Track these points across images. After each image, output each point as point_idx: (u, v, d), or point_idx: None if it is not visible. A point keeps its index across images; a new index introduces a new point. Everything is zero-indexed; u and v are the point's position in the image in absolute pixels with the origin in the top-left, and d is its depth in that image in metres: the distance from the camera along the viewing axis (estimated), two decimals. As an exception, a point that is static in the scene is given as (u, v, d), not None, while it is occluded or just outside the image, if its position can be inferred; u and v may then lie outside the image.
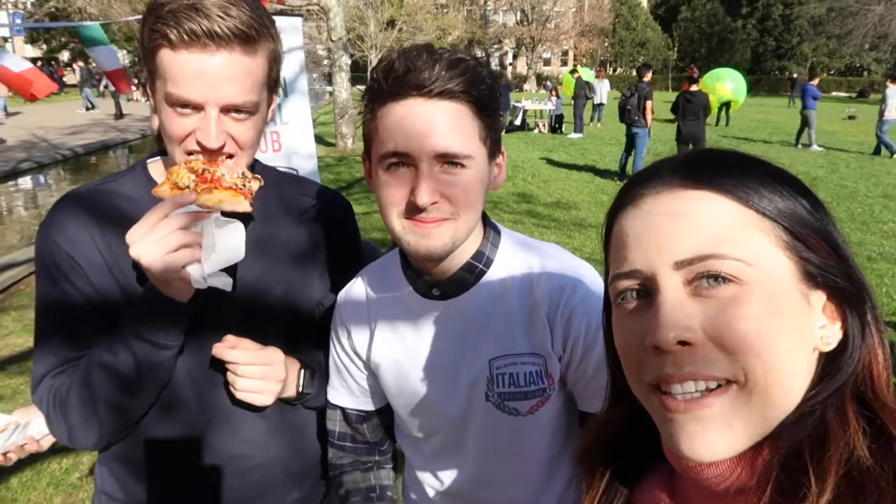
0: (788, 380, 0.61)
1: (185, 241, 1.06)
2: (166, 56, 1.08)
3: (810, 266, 0.62)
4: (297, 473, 1.40)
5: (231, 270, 1.18)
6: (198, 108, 1.09)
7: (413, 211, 1.05)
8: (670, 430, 0.62)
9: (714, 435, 0.60)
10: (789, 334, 0.60)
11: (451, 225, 1.07)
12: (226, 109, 1.11)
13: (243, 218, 1.15)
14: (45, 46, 40.19)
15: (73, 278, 1.19)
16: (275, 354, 1.23)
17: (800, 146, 15.77)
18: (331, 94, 18.82)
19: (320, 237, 1.38)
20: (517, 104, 20.42)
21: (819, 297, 0.63)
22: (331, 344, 1.35)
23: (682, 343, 0.60)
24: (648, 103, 11.21)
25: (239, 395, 1.20)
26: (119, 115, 22.33)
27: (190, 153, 1.13)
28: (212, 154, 1.12)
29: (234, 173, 1.13)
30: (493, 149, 1.11)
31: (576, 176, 12.31)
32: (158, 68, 1.10)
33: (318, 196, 1.42)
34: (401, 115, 1.03)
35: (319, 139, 16.07)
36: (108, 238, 1.18)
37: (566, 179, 11.92)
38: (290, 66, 4.30)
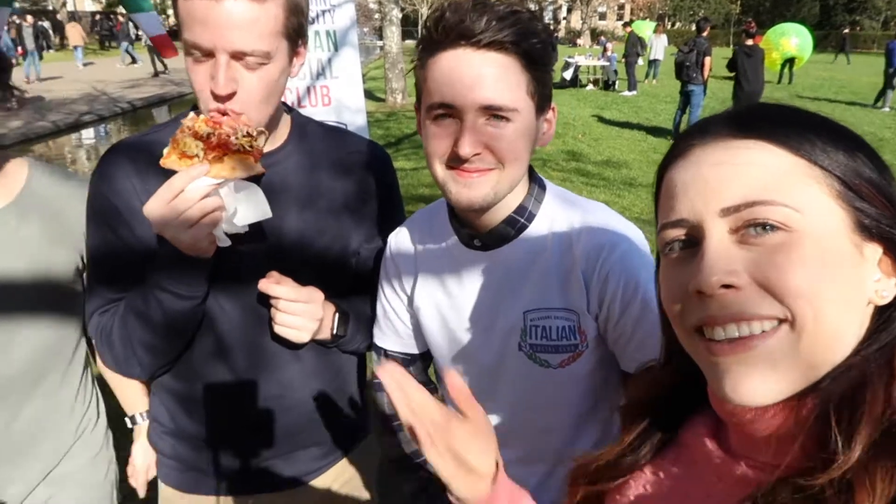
0: (838, 329, 0.60)
1: (206, 210, 1.09)
2: (183, 5, 1.12)
3: (864, 217, 0.61)
4: (329, 415, 1.46)
5: (274, 221, 1.23)
6: (209, 54, 1.12)
7: (456, 161, 1.07)
8: (715, 374, 0.63)
9: (759, 377, 0.60)
10: (839, 284, 0.59)
11: (494, 176, 1.08)
12: (236, 56, 1.12)
13: (256, 177, 1.16)
14: (104, 0, 40.91)
15: (116, 225, 1.26)
16: (315, 294, 1.28)
17: (887, 108, 14.94)
18: (381, 48, 18.72)
19: (359, 188, 1.42)
20: (570, 60, 19.95)
21: (874, 250, 0.62)
22: (379, 288, 1.40)
23: (727, 287, 0.60)
24: (707, 59, 10.81)
25: (278, 329, 1.25)
26: (155, 73, 21.89)
27: (212, 108, 1.15)
28: (223, 100, 1.13)
29: (240, 132, 1.11)
30: (542, 103, 1.11)
31: (627, 134, 12.05)
32: (179, 18, 1.14)
33: (358, 147, 1.45)
34: (449, 66, 1.05)
35: (369, 94, 16.06)
36: (148, 186, 1.23)
37: (617, 138, 11.68)
38: (341, 19, 4.28)
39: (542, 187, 1.22)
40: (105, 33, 36.20)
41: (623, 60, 18.36)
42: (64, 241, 1.34)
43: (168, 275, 1.18)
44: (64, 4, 36.53)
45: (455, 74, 1.04)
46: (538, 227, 1.19)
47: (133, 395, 1.46)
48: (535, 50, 1.05)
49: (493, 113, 1.04)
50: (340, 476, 1.53)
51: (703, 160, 0.65)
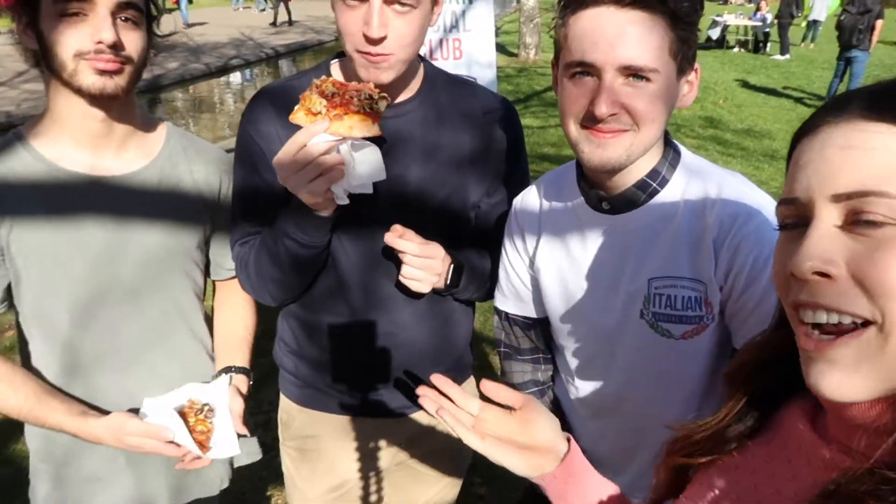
0: None
1: (325, 167, 1.16)
2: None
3: None
4: (436, 355, 1.54)
5: (398, 170, 1.30)
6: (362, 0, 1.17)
7: (591, 120, 1.06)
8: (805, 361, 0.62)
9: (840, 377, 0.59)
10: None
11: (629, 137, 1.07)
12: (388, 1, 1.17)
13: (377, 140, 1.22)
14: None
15: (258, 165, 1.37)
16: (437, 250, 1.34)
17: None
18: (517, 1, 18.33)
19: (484, 142, 1.44)
20: (717, 18, 18.62)
21: None
22: (502, 251, 1.42)
23: (821, 275, 0.59)
24: (878, 22, 9.72)
25: (403, 280, 1.33)
26: (274, 22, 20.85)
27: (359, 51, 1.22)
28: (376, 43, 1.19)
29: (363, 94, 1.18)
30: (685, 64, 1.07)
31: (774, 102, 11.17)
32: None
33: (486, 102, 1.47)
34: (590, 24, 1.03)
35: (501, 48, 15.84)
36: (289, 130, 1.33)
37: (763, 105, 10.86)
38: (478, -30, 4.26)
39: (678, 152, 1.19)
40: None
41: (777, 21, 16.90)
42: (194, 204, 1.43)
43: (293, 223, 1.28)
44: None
45: (596, 33, 1.02)
46: (670, 192, 1.15)
47: (229, 351, 1.55)
48: (681, 8, 1.01)
49: (633, 73, 1.02)
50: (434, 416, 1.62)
51: (830, 140, 0.61)
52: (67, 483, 1.41)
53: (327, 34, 19.67)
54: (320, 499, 1.61)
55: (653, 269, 1.16)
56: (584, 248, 1.23)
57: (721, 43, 18.20)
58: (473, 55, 4.47)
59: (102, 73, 1.18)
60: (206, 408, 1.35)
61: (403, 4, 1.19)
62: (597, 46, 1.02)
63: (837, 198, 0.59)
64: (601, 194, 1.18)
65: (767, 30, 17.70)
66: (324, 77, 1.21)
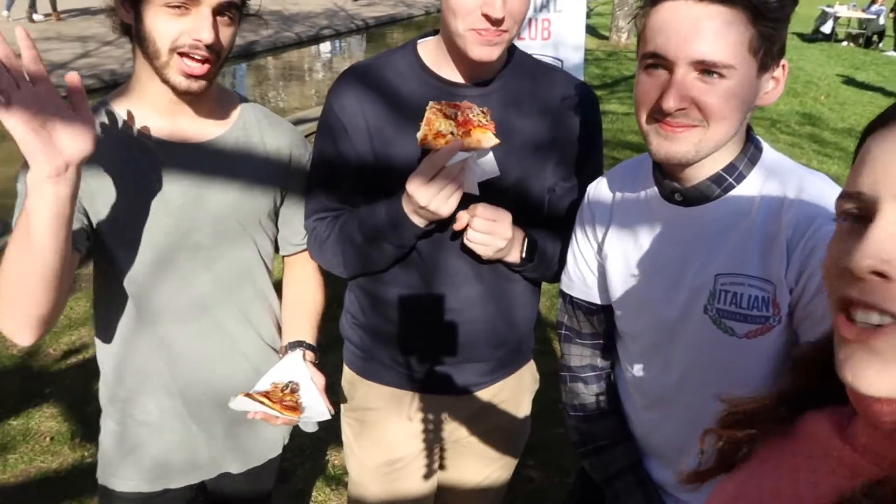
0: None
1: (458, 185, 1.27)
2: None
3: None
4: (499, 335, 1.55)
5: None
6: None
7: (660, 113, 1.05)
8: (840, 355, 0.60)
9: (878, 368, 0.57)
10: None
11: (698, 133, 1.05)
12: None
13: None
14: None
15: (340, 140, 1.41)
16: (503, 214, 1.36)
17: None
18: (613, -18, 17.83)
19: (562, 127, 1.44)
20: (828, 9, 17.55)
21: None
22: (572, 236, 1.42)
23: (878, 274, 0.57)
24: None
25: (468, 243, 1.36)
26: None
27: (475, 29, 1.24)
28: (498, 24, 1.23)
29: (475, 111, 1.27)
30: (768, 60, 1.03)
31: (882, 101, 10.47)
32: None
33: (567, 87, 1.47)
34: (668, 16, 1.02)
35: (592, 30, 15.49)
36: (374, 107, 1.38)
37: (868, 104, 10.22)
38: (573, -50, 4.17)
39: (759, 148, 1.15)
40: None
41: (893, 16, 15.78)
42: (265, 172, 1.46)
43: (392, 230, 1.35)
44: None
45: (672, 25, 1.01)
46: (746, 188, 1.13)
47: (299, 326, 1.58)
48: (767, 4, 0.97)
49: (706, 68, 1.00)
50: (498, 394, 1.64)
51: None
52: (129, 425, 1.49)
53: (417, 8, 19.76)
54: (376, 470, 1.65)
55: (720, 264, 1.14)
56: (653, 238, 1.23)
57: (830, 36, 17.18)
58: (562, 36, 4.38)
59: (189, 75, 1.23)
60: (291, 384, 1.42)
61: None
62: (670, 39, 1.01)
63: None
64: (675, 186, 1.16)
65: (882, 23, 16.56)
66: (433, 103, 1.27)
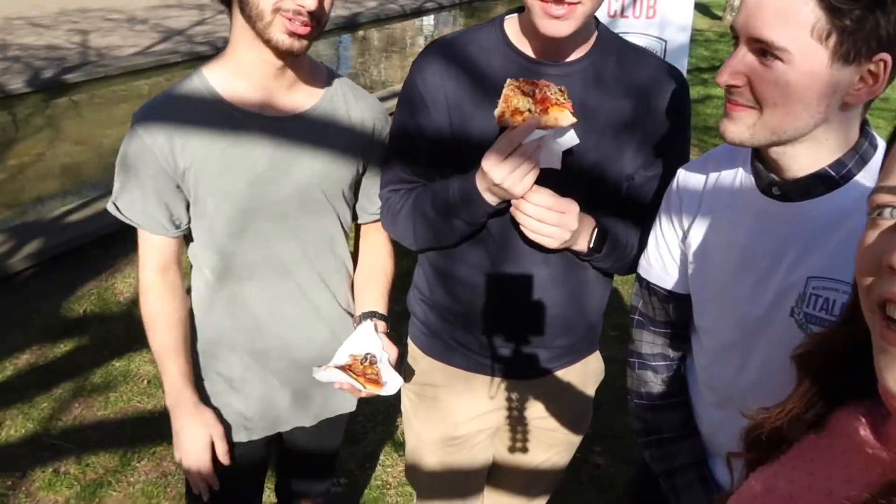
0: None
1: (534, 164, 1.24)
2: None
3: None
4: (567, 321, 1.53)
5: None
6: None
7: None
8: (881, 361, 0.58)
9: None
10: None
11: (751, 116, 1.00)
12: None
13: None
14: None
15: (418, 112, 1.41)
16: (570, 205, 1.31)
17: None
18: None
19: (647, 113, 1.39)
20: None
21: None
22: (656, 220, 1.37)
23: None
24: None
25: (528, 233, 1.32)
26: None
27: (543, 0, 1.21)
28: (562, 3, 1.19)
29: (552, 90, 1.24)
30: (849, 52, 0.94)
31: None
32: None
33: (656, 72, 1.41)
34: None
35: (704, 9, 14.75)
36: (455, 82, 1.37)
37: None
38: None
39: (873, 146, 1.07)
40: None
41: None
42: (350, 143, 1.50)
43: (465, 208, 1.34)
44: None
45: (748, 2, 0.98)
46: (854, 189, 1.04)
47: (370, 296, 1.63)
48: None
49: (762, 48, 0.95)
50: (562, 381, 1.62)
51: None
52: (214, 379, 1.59)
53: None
54: (433, 444, 1.68)
55: (815, 267, 1.07)
56: (745, 230, 1.16)
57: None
58: (668, 16, 4.20)
59: (292, 34, 1.26)
60: (369, 356, 1.47)
61: None
62: (740, 14, 0.99)
63: None
64: (773, 178, 1.10)
65: None
66: (510, 80, 1.25)
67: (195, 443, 1.48)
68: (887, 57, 0.95)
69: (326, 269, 1.56)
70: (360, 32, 12.64)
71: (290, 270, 1.50)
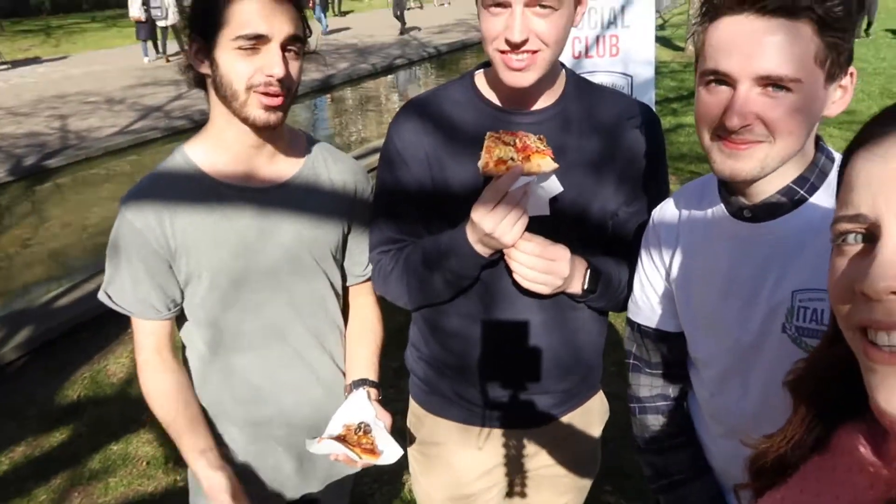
0: None
1: (522, 211, 1.24)
2: None
3: None
4: (565, 366, 1.52)
5: None
6: (505, 5, 1.20)
7: (723, 130, 1.02)
8: (871, 381, 0.59)
9: None
10: None
11: (764, 149, 1.01)
12: (529, 4, 1.19)
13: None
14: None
15: (400, 170, 1.44)
16: (561, 251, 1.32)
17: None
18: (688, -9, 17.43)
19: (624, 150, 1.42)
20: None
21: None
22: (638, 261, 1.39)
23: None
24: None
25: (520, 280, 1.33)
26: (402, 31, 19.60)
27: (501, 51, 1.25)
28: (518, 47, 1.22)
29: (531, 139, 1.26)
30: (835, 70, 1.00)
31: None
32: None
33: (628, 109, 1.44)
34: (728, 31, 0.99)
35: (668, 42, 15.15)
36: (433, 138, 1.40)
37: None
38: (639, -34, 4.12)
39: (831, 159, 1.11)
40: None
41: None
42: (334, 207, 1.53)
43: (456, 261, 1.35)
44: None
45: (733, 41, 0.98)
46: (820, 199, 1.08)
47: (361, 364, 1.62)
48: (832, 14, 0.94)
49: (772, 83, 0.97)
50: (567, 426, 1.60)
51: (891, 154, 0.58)
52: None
53: (489, 32, 19.86)
54: (443, 503, 1.66)
55: (798, 280, 1.09)
56: (724, 257, 1.18)
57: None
58: (631, 52, 4.32)
59: (268, 108, 1.30)
60: (363, 425, 1.47)
61: (544, 7, 1.20)
62: (732, 56, 0.98)
63: None
64: (742, 202, 1.13)
65: None
66: (490, 133, 1.28)
67: (220, 484, 1.41)
68: (854, 70, 1.03)
69: (321, 330, 1.57)
70: (336, 93, 12.86)
71: (285, 335, 1.51)
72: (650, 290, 1.35)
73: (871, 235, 0.59)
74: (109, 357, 3.94)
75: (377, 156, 1.54)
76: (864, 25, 14.98)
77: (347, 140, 9.97)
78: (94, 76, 13.23)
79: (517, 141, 1.25)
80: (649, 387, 1.42)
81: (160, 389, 1.47)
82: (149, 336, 1.46)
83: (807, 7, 0.94)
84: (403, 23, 19.89)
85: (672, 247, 1.29)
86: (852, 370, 0.64)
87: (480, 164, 1.24)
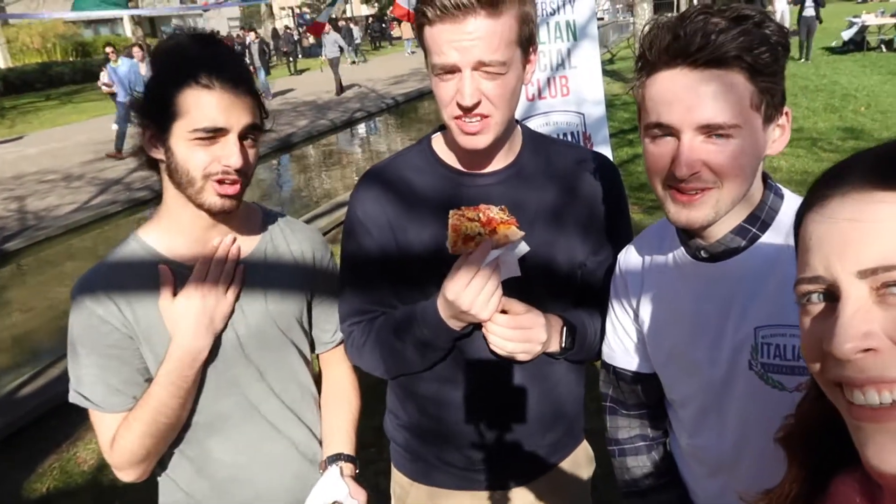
0: None
1: (496, 285, 1.25)
2: (427, 32, 1.23)
3: None
4: (548, 421, 1.51)
5: None
6: (454, 70, 1.22)
7: (673, 180, 1.05)
8: (858, 438, 0.59)
9: None
10: None
11: (714, 195, 1.04)
12: (476, 67, 1.21)
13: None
14: (377, 5, 44.84)
15: (364, 239, 1.43)
16: (536, 319, 1.33)
17: None
18: (633, 25, 18.04)
19: (587, 201, 1.44)
20: (854, 20, 17.30)
21: None
22: (609, 306, 1.40)
23: (865, 350, 0.56)
24: None
25: (499, 352, 1.33)
26: (339, 91, 18.76)
27: (455, 116, 1.27)
28: (470, 111, 1.23)
29: (494, 210, 1.27)
30: (771, 112, 1.04)
31: (928, 104, 10.14)
32: (425, 45, 1.26)
33: (586, 160, 1.47)
34: (665, 85, 1.03)
35: (618, 75, 15.59)
36: (395, 207, 1.40)
37: (913, 109, 9.90)
38: (580, 10, 4.26)
39: (779, 196, 1.14)
40: (376, 34, 40.30)
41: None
42: (296, 276, 1.51)
43: (431, 334, 1.34)
44: (344, 11, 41.04)
45: (671, 94, 1.02)
46: (772, 236, 1.11)
47: (336, 438, 1.60)
48: (760, 61, 0.98)
49: (713, 132, 1.01)
50: (555, 480, 1.58)
51: (839, 213, 0.59)
52: None
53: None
54: None
55: (759, 317, 1.10)
56: (688, 299, 1.20)
57: (861, 45, 16.87)
58: (581, 92, 4.44)
59: (223, 195, 1.30)
60: None
61: (491, 71, 1.23)
62: (672, 108, 1.02)
63: (864, 273, 0.57)
64: (699, 243, 1.15)
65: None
66: (453, 211, 1.27)
67: None
68: (789, 109, 1.07)
69: (294, 402, 1.53)
70: (297, 151, 12.91)
71: (260, 411, 1.47)
72: (622, 333, 1.37)
73: (832, 295, 0.60)
74: (79, 444, 3.80)
75: (344, 210, 1.53)
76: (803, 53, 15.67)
77: (312, 196, 9.97)
78: (52, 153, 13.10)
79: (481, 215, 1.26)
80: (627, 428, 1.42)
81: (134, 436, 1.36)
82: (115, 427, 1.37)
83: (736, 56, 0.98)
84: (340, 84, 18.81)
85: (638, 290, 1.30)
86: (841, 422, 0.64)
87: (448, 244, 1.24)
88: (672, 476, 1.38)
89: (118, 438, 1.34)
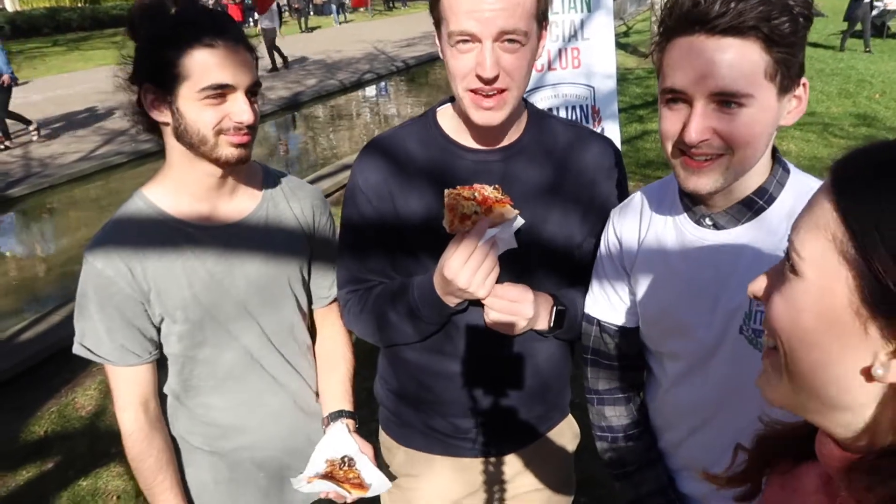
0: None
1: (493, 263, 1.26)
2: (444, 1, 1.22)
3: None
4: (534, 394, 1.53)
5: None
6: (475, 39, 1.21)
7: (685, 145, 1.07)
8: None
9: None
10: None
11: (723, 162, 1.07)
12: (497, 38, 1.20)
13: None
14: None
15: (366, 211, 1.44)
16: (524, 294, 1.34)
17: None
18: (650, -1, 17.73)
19: (587, 183, 1.44)
20: (877, 3, 16.96)
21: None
22: (598, 256, 1.43)
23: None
24: None
25: (489, 322, 1.35)
26: (272, 69, 15.89)
27: (471, 89, 1.25)
28: (490, 83, 1.22)
29: (488, 190, 1.28)
30: (787, 83, 1.05)
31: (945, 93, 10.02)
32: (441, 14, 1.24)
33: (590, 143, 1.47)
34: (682, 51, 1.04)
35: (634, 49, 15.40)
36: (397, 178, 1.41)
37: (929, 98, 9.78)
38: (596, -21, 4.18)
39: (787, 170, 1.17)
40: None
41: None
42: (296, 235, 1.55)
43: (429, 309, 1.36)
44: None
45: (687, 60, 1.03)
46: (777, 210, 1.14)
47: (336, 395, 1.65)
48: (780, 30, 0.98)
49: (724, 99, 1.02)
50: (538, 452, 1.61)
51: None
52: (205, 482, 1.58)
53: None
54: None
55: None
56: (685, 262, 1.23)
57: (881, 30, 16.57)
58: (592, 65, 4.38)
59: (238, 145, 1.32)
60: (347, 459, 1.47)
61: (513, 42, 1.21)
62: (687, 74, 1.03)
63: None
64: (704, 210, 1.18)
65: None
66: (448, 190, 1.27)
67: None
68: (805, 80, 1.08)
69: (293, 356, 1.58)
70: (305, 110, 12.83)
71: (262, 364, 1.52)
72: (609, 288, 1.39)
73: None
74: (77, 390, 3.87)
75: (347, 172, 1.53)
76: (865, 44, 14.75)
77: (318, 155, 9.95)
78: (57, 101, 13.04)
79: (476, 195, 1.26)
80: (607, 379, 1.46)
81: (148, 466, 1.45)
82: (130, 387, 1.44)
83: (753, 26, 0.98)
84: (278, 58, 16.09)
85: (634, 248, 1.32)
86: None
87: (445, 223, 1.25)
88: (643, 427, 1.44)
89: None
